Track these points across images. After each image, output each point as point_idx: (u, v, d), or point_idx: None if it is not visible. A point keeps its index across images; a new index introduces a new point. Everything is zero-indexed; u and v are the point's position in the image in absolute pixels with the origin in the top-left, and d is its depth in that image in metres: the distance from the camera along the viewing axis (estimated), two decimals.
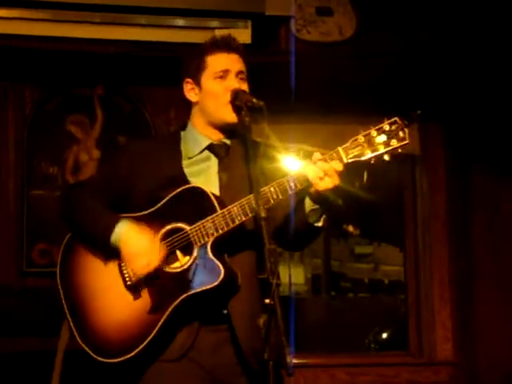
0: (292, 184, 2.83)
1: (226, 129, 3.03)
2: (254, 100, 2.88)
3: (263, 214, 2.67)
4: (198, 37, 4.81)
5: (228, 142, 3.06)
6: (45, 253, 5.05)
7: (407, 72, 5.28)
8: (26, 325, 4.91)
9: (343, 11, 5.14)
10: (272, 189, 2.83)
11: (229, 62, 2.99)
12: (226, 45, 3.01)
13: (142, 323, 2.87)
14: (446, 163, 5.70)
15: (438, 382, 5.59)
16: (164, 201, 2.93)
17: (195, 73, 3.03)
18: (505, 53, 5.19)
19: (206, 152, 3.04)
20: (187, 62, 3.10)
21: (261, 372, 2.77)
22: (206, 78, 3.00)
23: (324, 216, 2.92)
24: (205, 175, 3.01)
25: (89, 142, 5.17)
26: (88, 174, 4.87)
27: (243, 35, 4.81)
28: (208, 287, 2.83)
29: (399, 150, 2.83)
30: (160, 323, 2.85)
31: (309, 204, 2.91)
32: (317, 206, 2.90)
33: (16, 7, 4.59)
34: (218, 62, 2.99)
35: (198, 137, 3.06)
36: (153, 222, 2.94)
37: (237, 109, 2.93)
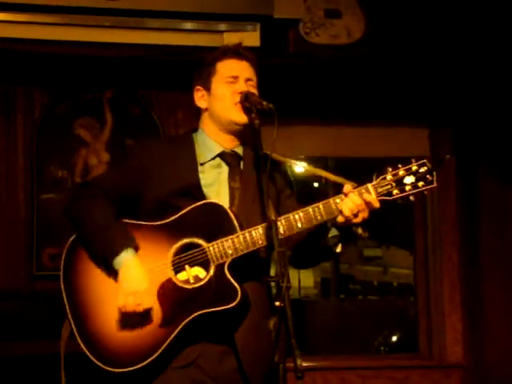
0: (319, 216, 2.82)
1: (235, 131, 3.02)
2: (264, 103, 2.88)
3: (273, 217, 2.68)
4: (207, 40, 4.82)
5: (240, 151, 3.04)
6: (54, 256, 5.06)
7: (417, 75, 5.27)
8: (35, 328, 4.91)
9: (352, 13, 5.14)
10: (297, 216, 2.82)
11: (238, 68, 3.00)
12: (237, 52, 3.02)
13: (151, 336, 2.84)
14: (456, 167, 5.69)
15: None
16: (182, 212, 2.88)
17: (205, 79, 3.03)
18: None
19: (218, 159, 3.02)
20: (198, 70, 3.10)
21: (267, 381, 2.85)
22: (216, 83, 3.01)
23: (341, 243, 2.92)
24: (217, 185, 2.98)
25: (98, 145, 5.18)
26: None
27: (252, 38, 4.81)
28: (225, 307, 2.79)
29: (425, 192, 2.85)
30: (171, 337, 2.82)
31: (333, 231, 2.90)
32: (338, 233, 2.90)
33: (26, 11, 4.60)
34: (227, 67, 3.00)
35: (209, 143, 3.03)
36: (169, 233, 2.89)
37: (246, 111, 2.93)
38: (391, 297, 9.74)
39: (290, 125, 5.01)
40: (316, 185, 8.23)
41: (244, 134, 3.02)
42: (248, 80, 2.99)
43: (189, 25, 4.83)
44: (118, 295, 2.84)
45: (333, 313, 8.00)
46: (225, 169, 3.01)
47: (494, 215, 5.66)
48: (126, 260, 2.85)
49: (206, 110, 3.05)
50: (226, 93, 2.98)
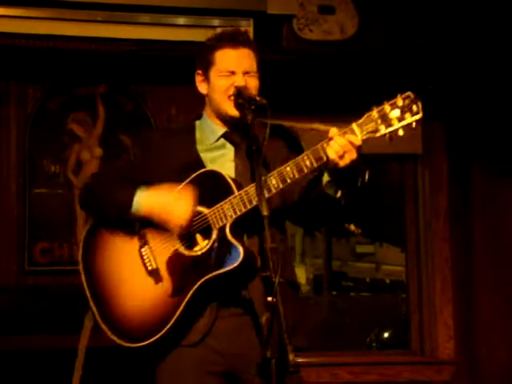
0: (308, 162, 2.84)
1: (231, 123, 3.05)
2: (258, 98, 2.89)
3: (265, 213, 2.69)
4: (200, 35, 4.79)
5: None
6: (46, 251, 5.06)
7: (410, 71, 5.27)
8: (27, 323, 4.91)
9: (345, 9, 5.14)
10: (288, 168, 2.84)
11: (235, 60, 3.00)
12: (234, 39, 3.03)
13: (164, 307, 2.91)
14: (449, 163, 5.70)
15: (440, 381, 5.58)
16: (181, 185, 2.95)
17: (205, 66, 3.06)
18: (509, 54, 5.19)
19: (222, 140, 3.07)
20: (198, 53, 3.11)
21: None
22: (214, 74, 3.03)
23: (341, 190, 2.91)
24: (220, 161, 3.03)
25: (91, 140, 5.17)
26: (90, 172, 4.87)
27: None
28: (229, 268, 2.85)
29: (413, 125, 2.83)
30: (182, 306, 2.88)
31: (325, 177, 2.91)
32: (331, 177, 2.90)
33: (19, 6, 4.59)
34: (225, 59, 3.01)
35: (213, 126, 3.09)
36: None
37: (239, 106, 2.93)
38: (383, 293, 9.73)
39: (282, 120, 5.00)
40: None
41: (239, 124, 3.03)
42: (246, 73, 3.00)
43: (182, 20, 4.83)
44: (170, 225, 2.90)
45: (325, 309, 8.00)
46: (230, 148, 3.05)
47: (486, 211, 5.67)
48: (141, 196, 2.94)
49: (206, 95, 3.09)
50: (222, 86, 3.00)
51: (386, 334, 7.45)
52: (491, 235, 5.66)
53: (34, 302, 4.97)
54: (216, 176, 2.93)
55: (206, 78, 3.06)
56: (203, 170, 2.96)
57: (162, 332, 2.89)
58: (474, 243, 5.67)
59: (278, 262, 2.57)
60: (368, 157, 6.14)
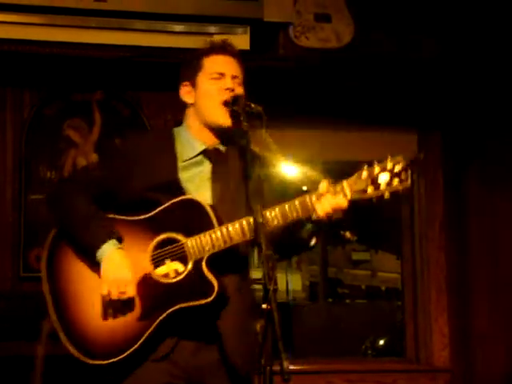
0: (295, 214, 2.86)
1: (219, 132, 3.03)
2: (253, 105, 2.89)
3: (261, 220, 2.69)
4: (196, 42, 4.77)
5: (223, 148, 3.06)
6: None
7: (406, 79, 5.29)
8: (22, 329, 4.90)
9: (341, 17, 5.15)
10: (273, 213, 2.86)
11: (224, 64, 3.01)
12: (223, 48, 3.04)
13: (131, 329, 2.89)
14: (444, 172, 5.71)
15: None
16: (161, 208, 2.92)
17: (192, 74, 3.05)
18: (505, 63, 5.20)
19: (200, 157, 3.04)
20: (184, 65, 3.11)
21: (246, 377, 2.91)
22: (202, 79, 3.02)
23: (315, 237, 2.97)
24: (198, 181, 3.01)
25: (87, 146, 5.17)
26: None
27: (242, 41, 4.81)
28: (200, 302, 2.84)
29: (400, 191, 2.85)
30: (149, 330, 2.86)
31: (308, 226, 2.94)
32: (312, 227, 2.93)
33: (15, 12, 4.59)
34: (213, 63, 3.02)
35: (192, 141, 3.05)
36: (148, 228, 2.94)
37: (235, 114, 2.93)
38: (379, 301, 9.74)
39: (279, 128, 5.01)
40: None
41: (228, 134, 3.03)
42: (234, 77, 3.00)
43: (178, 27, 4.83)
44: (102, 284, 2.88)
45: (321, 316, 7.99)
46: (207, 166, 3.02)
47: (481, 219, 5.67)
48: (109, 250, 2.89)
49: (192, 105, 3.06)
50: (212, 90, 2.99)
51: (381, 342, 7.46)
52: (487, 243, 5.66)
53: (29, 309, 4.96)
54: (197, 205, 2.90)
55: (193, 86, 3.04)
56: (185, 197, 2.92)
57: (127, 353, 2.86)
58: (470, 251, 5.67)
59: (273, 269, 2.57)
60: (364, 164, 6.16)
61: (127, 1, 4.67)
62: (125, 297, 2.87)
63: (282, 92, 5.13)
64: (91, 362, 2.90)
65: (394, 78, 5.26)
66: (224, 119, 2.97)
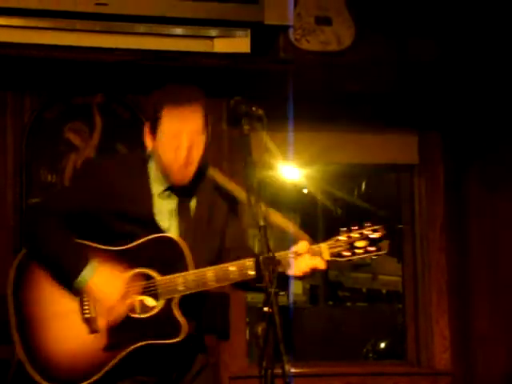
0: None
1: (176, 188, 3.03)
2: (254, 108, 2.89)
3: (262, 223, 2.70)
4: (197, 45, 4.83)
5: (192, 184, 3.06)
6: None
7: (406, 81, 5.29)
8: None
9: (342, 20, 5.16)
10: (250, 263, 2.89)
11: (181, 123, 2.94)
12: (181, 100, 2.97)
13: (95, 358, 2.91)
14: (445, 173, 5.71)
15: None
16: (138, 242, 2.93)
17: (152, 122, 2.99)
18: (505, 64, 5.21)
19: (168, 191, 3.04)
20: (148, 104, 3.07)
21: None
22: (160, 135, 2.96)
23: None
24: (165, 215, 3.01)
25: (87, 149, 5.17)
26: None
27: (242, 44, 4.82)
28: (167, 341, 2.88)
29: (374, 257, 2.98)
30: (112, 363, 2.89)
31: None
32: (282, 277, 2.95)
33: (16, 16, 4.59)
34: (170, 121, 2.95)
35: (160, 176, 3.04)
36: (123, 260, 2.95)
37: (236, 118, 2.94)
38: (380, 304, 9.73)
39: (279, 131, 5.01)
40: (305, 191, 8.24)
41: (185, 189, 3.03)
42: (192, 133, 2.95)
43: (179, 30, 4.83)
44: (102, 312, 2.89)
45: (321, 319, 8.00)
46: (175, 201, 3.03)
47: (482, 221, 5.67)
48: (91, 275, 2.89)
49: (152, 150, 3.02)
50: (169, 151, 2.95)
51: (382, 345, 7.46)
52: (488, 245, 5.66)
53: None
54: (174, 245, 2.92)
55: (153, 134, 2.99)
56: (162, 235, 2.94)
57: (89, 381, 2.89)
58: (471, 253, 5.67)
59: (274, 271, 2.58)
60: (365, 166, 6.19)
61: (128, 4, 4.68)
62: (124, 313, 2.89)
63: (283, 95, 5.12)
64: None
65: (395, 81, 5.26)
66: (180, 180, 2.98)
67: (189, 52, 4.84)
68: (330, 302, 9.98)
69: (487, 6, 5.20)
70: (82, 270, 2.88)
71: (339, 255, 2.94)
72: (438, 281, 5.68)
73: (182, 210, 3.02)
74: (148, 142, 3.02)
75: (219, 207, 3.08)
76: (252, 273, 2.88)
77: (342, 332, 7.74)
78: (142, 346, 2.89)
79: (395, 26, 5.20)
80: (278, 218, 3.20)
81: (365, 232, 2.96)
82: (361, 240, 2.95)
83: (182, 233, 2.99)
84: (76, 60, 4.81)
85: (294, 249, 2.94)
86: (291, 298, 9.13)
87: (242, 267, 2.90)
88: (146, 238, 2.92)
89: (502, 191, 5.64)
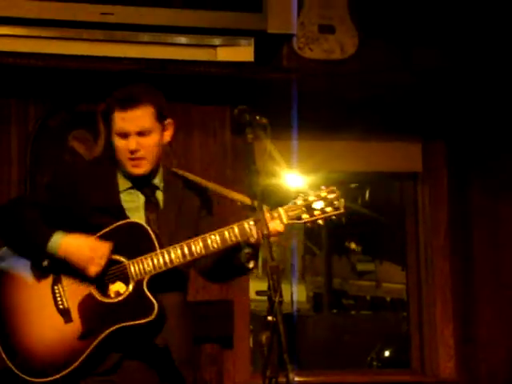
0: (234, 238, 3.02)
1: (134, 179, 3.15)
2: (258, 117, 2.91)
3: (266, 231, 2.72)
4: (201, 54, 4.84)
5: (157, 179, 3.19)
6: None
7: (410, 89, 5.30)
8: None
9: (345, 29, 5.17)
10: (213, 237, 3.02)
11: (127, 123, 3.09)
12: (126, 103, 3.11)
13: (71, 347, 2.99)
14: (449, 180, 5.71)
15: None
16: (106, 230, 3.05)
17: (108, 125, 3.17)
18: (509, 73, 5.21)
19: (135, 189, 3.17)
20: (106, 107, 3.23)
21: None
22: (112, 133, 3.15)
23: (254, 260, 3.12)
24: (132, 210, 3.13)
25: (92, 157, 5.17)
26: None
27: (246, 53, 4.83)
28: (140, 322, 2.97)
29: (333, 217, 3.04)
30: (89, 350, 2.97)
31: (246, 250, 3.10)
32: (251, 250, 3.08)
33: (21, 25, 4.61)
34: (118, 122, 3.11)
35: (124, 172, 3.17)
36: None
37: (240, 126, 2.96)
38: (384, 312, 9.73)
39: (283, 139, 5.02)
40: None
41: (142, 179, 3.16)
42: (139, 133, 3.08)
43: (183, 39, 4.84)
44: (84, 266, 3.00)
45: (325, 327, 7.99)
46: (142, 197, 3.16)
47: (486, 228, 5.67)
48: (61, 238, 3.02)
49: None
50: (120, 148, 3.11)
51: (386, 353, 7.44)
52: (492, 252, 5.66)
53: None
54: (140, 229, 3.04)
55: (110, 134, 3.17)
56: (128, 220, 3.06)
57: (66, 371, 2.97)
58: (475, 260, 5.67)
59: (278, 280, 2.59)
60: (368, 174, 6.19)
61: (133, 14, 4.69)
62: (105, 259, 2.99)
63: (286, 103, 5.13)
64: (30, 379, 2.99)
65: (398, 89, 5.26)
66: (134, 171, 3.11)
67: (192, 61, 4.85)
68: (334, 310, 9.98)
69: (491, 14, 5.20)
70: (52, 235, 3.01)
71: (298, 218, 3.03)
72: (442, 288, 5.67)
73: (148, 205, 3.14)
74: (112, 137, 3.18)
75: (190, 202, 3.20)
76: (215, 245, 3.00)
77: (346, 340, 7.73)
78: (117, 329, 2.97)
79: (399, 35, 5.21)
80: (235, 195, 3.26)
81: (321, 194, 3.04)
82: (317, 201, 3.03)
83: (149, 224, 3.09)
84: (81, 69, 4.82)
85: (254, 217, 3.00)
86: (295, 306, 9.13)
87: (205, 241, 3.01)
88: (113, 226, 3.05)
89: (506, 198, 5.65)
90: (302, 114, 5.11)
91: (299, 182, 4.51)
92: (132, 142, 3.07)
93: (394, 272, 8.98)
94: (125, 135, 3.08)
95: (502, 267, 5.63)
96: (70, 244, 3.01)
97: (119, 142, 3.10)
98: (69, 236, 3.03)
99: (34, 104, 5.10)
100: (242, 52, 4.84)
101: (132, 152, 3.07)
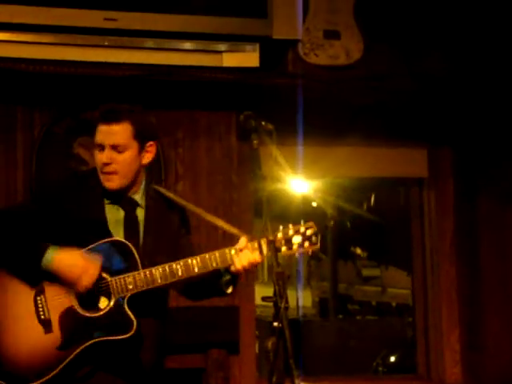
0: (215, 264, 3.12)
1: (110, 194, 3.23)
2: (263, 123, 2.92)
3: (271, 237, 2.74)
4: (206, 60, 4.84)
5: (137, 196, 3.27)
6: None
7: (415, 95, 5.29)
8: None
9: (350, 34, 5.17)
10: (195, 261, 3.12)
11: (104, 136, 3.18)
12: (107, 117, 3.19)
13: (50, 357, 3.07)
14: (455, 186, 5.70)
15: None
16: (90, 246, 3.12)
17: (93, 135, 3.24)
18: None
19: (116, 204, 3.25)
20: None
21: None
22: (93, 148, 3.23)
23: (232, 286, 3.25)
24: (116, 225, 3.21)
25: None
26: None
27: (251, 58, 4.83)
28: (118, 337, 3.06)
29: (309, 252, 3.21)
30: (66, 361, 3.05)
31: (226, 276, 3.22)
32: (230, 277, 3.21)
33: (26, 31, 4.62)
34: (97, 134, 3.19)
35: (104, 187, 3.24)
36: None
37: (246, 132, 2.97)
38: (390, 317, 9.72)
39: (289, 145, 5.02)
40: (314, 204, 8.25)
41: (119, 194, 3.24)
42: (113, 147, 3.16)
43: (188, 45, 4.85)
44: (75, 281, 3.07)
45: (331, 333, 7.98)
46: (122, 212, 3.25)
47: (492, 233, 5.66)
48: (54, 252, 3.08)
49: None
50: (96, 160, 3.21)
51: (392, 358, 7.43)
52: (498, 258, 5.65)
53: None
54: (124, 247, 3.12)
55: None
56: (113, 238, 3.14)
57: (43, 379, 3.05)
58: (481, 266, 5.66)
59: (284, 286, 2.59)
60: (374, 180, 6.19)
61: (137, 19, 4.70)
62: (95, 277, 3.06)
63: (292, 109, 5.14)
64: None
65: (404, 95, 5.26)
66: (106, 185, 3.20)
67: (198, 66, 4.86)
68: (340, 316, 9.97)
69: (497, 20, 5.20)
70: (46, 250, 3.07)
71: (277, 250, 3.06)
72: (448, 294, 5.67)
73: (127, 221, 3.23)
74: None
75: (170, 220, 3.31)
76: (196, 270, 3.10)
77: (352, 345, 7.72)
78: (94, 343, 3.06)
79: (404, 40, 5.21)
80: (219, 222, 3.36)
81: (300, 229, 3.16)
82: (296, 235, 3.16)
83: (127, 239, 3.17)
84: (85, 75, 4.83)
85: (236, 246, 3.14)
86: (301, 312, 9.14)
87: (187, 265, 3.10)
88: (98, 243, 3.13)
89: None
90: (307, 119, 5.12)
91: (304, 188, 4.52)
92: (105, 155, 3.16)
93: (400, 277, 8.98)
94: (101, 148, 3.17)
95: (510, 273, 5.61)
96: (63, 258, 3.08)
97: (96, 155, 3.20)
98: (62, 251, 3.10)
99: (40, 111, 5.10)
100: (248, 58, 4.85)
101: (104, 164, 3.16)
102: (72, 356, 3.05)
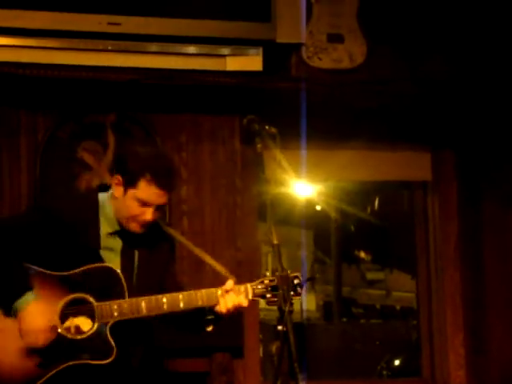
0: (200, 303, 3.17)
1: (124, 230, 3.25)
2: (267, 127, 2.93)
3: (275, 241, 2.73)
4: (210, 64, 4.85)
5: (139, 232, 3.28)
6: None
7: (418, 98, 5.29)
8: None
9: (354, 38, 5.17)
10: (181, 296, 3.15)
11: (156, 198, 3.19)
12: (164, 182, 3.19)
13: (29, 373, 3.11)
14: (458, 190, 5.70)
15: None
16: (80, 269, 3.15)
17: (126, 179, 3.21)
18: None
19: (116, 235, 3.27)
20: (125, 160, 3.27)
21: None
22: (131, 194, 3.19)
23: (213, 325, 3.30)
24: (108, 256, 3.23)
25: (101, 168, 5.18)
26: None
27: (254, 62, 4.84)
28: (97, 362, 3.09)
29: (292, 301, 3.11)
30: (44, 378, 3.09)
31: (209, 316, 3.27)
32: (213, 317, 3.25)
33: (29, 36, 4.62)
34: (145, 192, 3.17)
35: (113, 219, 3.27)
36: (64, 285, 3.17)
37: (249, 136, 2.97)
38: (394, 320, 9.71)
39: (292, 148, 5.02)
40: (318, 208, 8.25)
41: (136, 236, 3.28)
42: (158, 208, 3.21)
43: (192, 49, 4.85)
44: (24, 333, 3.09)
45: (335, 336, 7.97)
46: (119, 243, 3.28)
47: (496, 237, 5.65)
48: (26, 303, 3.10)
49: (117, 198, 3.25)
50: (133, 210, 3.20)
51: (396, 362, 7.42)
52: (502, 262, 5.64)
53: None
54: (113, 274, 3.15)
55: (124, 188, 3.22)
56: (103, 264, 3.18)
57: None
58: (485, 270, 5.65)
59: (288, 290, 2.59)
60: (378, 184, 6.18)
61: (141, 24, 4.70)
62: (38, 346, 3.08)
63: (295, 112, 5.14)
64: None
65: (407, 98, 5.26)
66: (136, 229, 3.22)
67: (201, 70, 4.86)
68: (344, 319, 9.97)
69: (499, 24, 5.20)
70: (21, 296, 3.10)
71: (262, 296, 3.17)
72: (452, 297, 5.66)
73: (125, 252, 3.26)
74: (117, 190, 3.24)
75: (162, 251, 3.36)
76: (181, 305, 3.14)
77: (356, 349, 7.71)
78: (73, 365, 3.09)
79: (408, 44, 5.21)
80: (210, 260, 3.44)
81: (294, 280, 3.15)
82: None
83: (122, 270, 3.20)
84: (89, 79, 4.83)
85: (223, 287, 3.18)
86: (305, 315, 9.13)
87: (173, 299, 3.14)
88: (87, 266, 3.15)
89: None
90: (310, 123, 5.12)
91: (308, 191, 4.52)
92: (151, 213, 3.19)
93: (404, 280, 8.97)
94: (147, 205, 3.18)
95: None
96: (29, 314, 3.09)
97: (136, 207, 3.19)
98: (34, 303, 3.11)
99: (43, 115, 5.11)
100: (251, 61, 4.85)
101: (146, 220, 3.19)
102: (49, 375, 3.09)
